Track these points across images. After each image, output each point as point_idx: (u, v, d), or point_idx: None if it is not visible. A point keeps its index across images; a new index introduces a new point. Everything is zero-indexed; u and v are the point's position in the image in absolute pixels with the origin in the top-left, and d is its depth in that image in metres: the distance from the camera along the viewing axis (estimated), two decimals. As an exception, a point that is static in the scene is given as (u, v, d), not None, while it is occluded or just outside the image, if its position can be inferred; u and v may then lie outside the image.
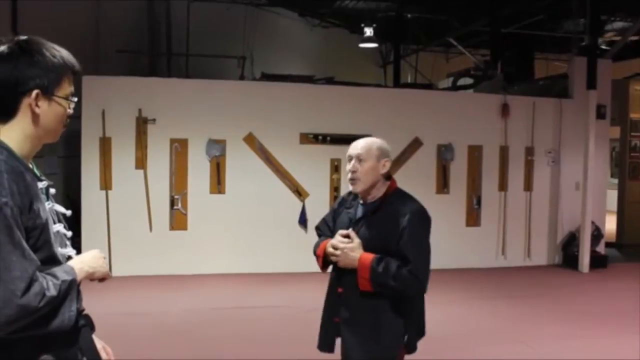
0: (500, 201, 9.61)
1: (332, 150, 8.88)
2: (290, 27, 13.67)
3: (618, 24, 12.40)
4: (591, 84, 9.22)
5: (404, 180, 8.78)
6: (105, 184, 8.22)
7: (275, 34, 13.23)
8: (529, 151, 9.74)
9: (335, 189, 8.88)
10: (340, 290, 2.92)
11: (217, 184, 8.60)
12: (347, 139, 9.14)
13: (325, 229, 3.11)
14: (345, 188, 8.82)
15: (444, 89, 12.00)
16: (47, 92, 1.76)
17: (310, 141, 8.87)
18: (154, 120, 8.36)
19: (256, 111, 8.74)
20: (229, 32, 12.31)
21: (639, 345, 5.63)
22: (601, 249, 9.95)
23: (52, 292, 1.64)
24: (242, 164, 8.67)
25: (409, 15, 12.51)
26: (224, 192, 8.62)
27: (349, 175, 2.88)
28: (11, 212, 1.60)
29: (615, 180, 12.75)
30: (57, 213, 1.89)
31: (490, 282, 8.57)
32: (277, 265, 8.70)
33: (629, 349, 5.58)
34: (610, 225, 11.05)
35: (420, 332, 2.97)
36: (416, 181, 9.06)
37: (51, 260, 1.74)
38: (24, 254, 1.61)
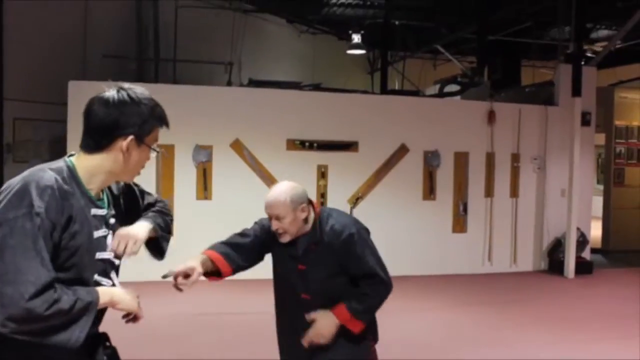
0: (486, 207, 9.64)
1: (319, 157, 8.88)
2: (278, 33, 13.70)
3: (603, 32, 12.53)
4: (576, 91, 9.29)
5: (391, 187, 8.86)
6: (91, 189, 8.14)
7: (263, 40, 13.24)
8: (515, 158, 9.79)
9: (322, 195, 8.87)
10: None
11: (204, 190, 8.58)
12: (334, 146, 9.24)
13: (251, 239, 3.24)
14: (332, 194, 8.89)
15: (430, 95, 12.05)
16: (140, 139, 1.92)
17: (297, 147, 8.86)
18: (140, 125, 8.30)
19: (243, 117, 8.73)
20: (217, 38, 12.31)
21: (623, 351, 5.67)
22: (586, 255, 10.01)
23: (63, 305, 1.70)
24: (228, 170, 8.65)
25: (396, 22, 12.57)
26: (210, 199, 8.60)
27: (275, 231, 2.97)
28: (41, 222, 1.70)
29: (601, 187, 12.85)
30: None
31: (476, 288, 8.58)
32: (263, 272, 8.65)
33: (613, 355, 5.62)
34: (595, 231, 11.12)
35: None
36: (403, 187, 9.11)
37: (78, 283, 1.81)
38: (42, 262, 1.68)
